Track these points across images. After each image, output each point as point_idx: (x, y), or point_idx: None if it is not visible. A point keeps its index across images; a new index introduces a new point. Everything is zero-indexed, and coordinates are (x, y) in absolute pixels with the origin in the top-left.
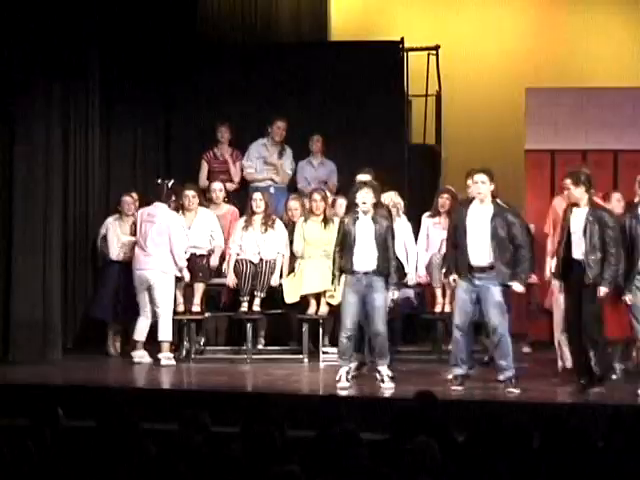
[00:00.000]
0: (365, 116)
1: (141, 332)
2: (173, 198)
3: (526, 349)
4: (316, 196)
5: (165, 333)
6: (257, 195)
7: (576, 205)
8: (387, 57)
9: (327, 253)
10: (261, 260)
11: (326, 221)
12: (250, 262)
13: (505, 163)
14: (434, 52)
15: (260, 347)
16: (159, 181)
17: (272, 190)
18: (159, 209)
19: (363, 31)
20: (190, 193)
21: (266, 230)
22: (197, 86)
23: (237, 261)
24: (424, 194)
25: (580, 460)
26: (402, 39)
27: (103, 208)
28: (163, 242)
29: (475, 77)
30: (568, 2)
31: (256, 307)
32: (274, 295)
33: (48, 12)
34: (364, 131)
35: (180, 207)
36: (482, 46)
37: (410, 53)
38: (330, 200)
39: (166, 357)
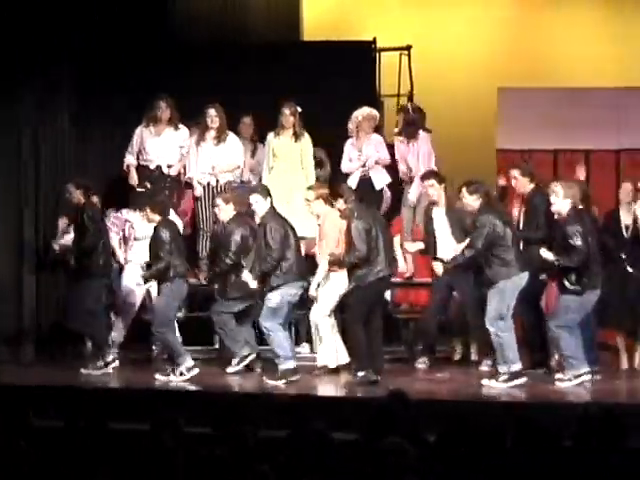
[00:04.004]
0: (337, 116)
1: None
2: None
3: None
4: (285, 110)
5: None
6: (212, 111)
7: None
8: (359, 57)
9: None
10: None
11: (297, 135)
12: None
13: (476, 163)
14: (406, 52)
15: None
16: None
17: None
18: None
19: (336, 31)
20: (161, 104)
21: (218, 143)
22: (170, 86)
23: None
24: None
25: (550, 459)
26: (374, 39)
27: None
28: None
29: (447, 77)
30: (541, 2)
31: None
32: None
33: (17, 16)
34: (336, 131)
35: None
36: (454, 46)
37: (382, 53)
38: None
39: None
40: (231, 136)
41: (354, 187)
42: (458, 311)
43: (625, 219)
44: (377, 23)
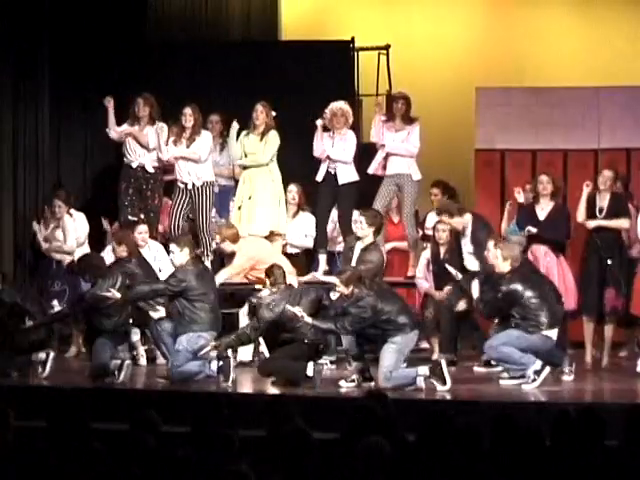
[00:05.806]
0: (315, 116)
1: None
2: None
3: None
4: (258, 109)
5: None
6: (187, 110)
7: None
8: (338, 56)
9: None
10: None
11: (264, 134)
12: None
13: (455, 163)
14: (384, 52)
15: None
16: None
17: (216, 189)
18: None
19: (314, 30)
20: (139, 101)
21: (190, 144)
22: (147, 85)
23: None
24: (374, 192)
25: (530, 459)
26: (353, 38)
27: None
28: None
29: (426, 76)
30: (519, 2)
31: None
32: None
33: None
34: (314, 130)
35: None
36: (433, 45)
37: (361, 52)
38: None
39: None
40: (203, 134)
41: (320, 180)
42: (435, 310)
43: (600, 202)
44: (355, 23)
